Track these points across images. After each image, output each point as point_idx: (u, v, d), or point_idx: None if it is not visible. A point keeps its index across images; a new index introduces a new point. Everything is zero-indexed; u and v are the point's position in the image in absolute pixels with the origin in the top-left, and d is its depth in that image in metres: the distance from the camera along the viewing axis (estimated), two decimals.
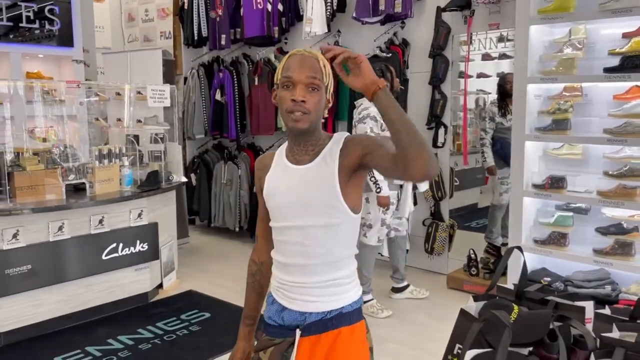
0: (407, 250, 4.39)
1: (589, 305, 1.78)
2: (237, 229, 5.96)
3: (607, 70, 3.41)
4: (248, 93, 5.80)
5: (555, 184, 3.66)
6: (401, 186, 3.93)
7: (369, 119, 3.62)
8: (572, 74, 3.56)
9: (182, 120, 6.33)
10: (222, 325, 3.71)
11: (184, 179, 4.62)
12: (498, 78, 4.56)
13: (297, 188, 1.47)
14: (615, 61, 3.41)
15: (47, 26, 4.96)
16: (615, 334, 1.58)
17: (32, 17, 4.88)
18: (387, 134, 3.75)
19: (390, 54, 4.55)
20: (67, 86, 4.03)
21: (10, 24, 4.76)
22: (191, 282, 4.60)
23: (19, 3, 4.80)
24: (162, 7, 6.79)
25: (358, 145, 1.44)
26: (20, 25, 4.82)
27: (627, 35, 3.40)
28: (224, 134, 6.02)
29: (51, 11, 4.97)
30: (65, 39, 5.08)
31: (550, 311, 1.65)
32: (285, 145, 1.56)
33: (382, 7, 4.45)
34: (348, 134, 1.53)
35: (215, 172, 6.16)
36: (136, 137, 4.17)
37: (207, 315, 3.87)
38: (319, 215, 1.46)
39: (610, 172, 3.49)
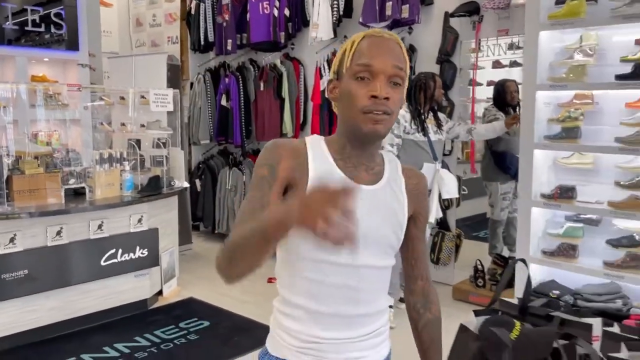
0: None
1: (596, 323, 1.69)
2: None
3: (619, 77, 3.31)
4: (254, 98, 5.75)
5: (564, 194, 3.56)
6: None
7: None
8: (582, 81, 3.46)
9: (187, 125, 6.30)
10: (222, 334, 3.63)
11: (186, 185, 4.56)
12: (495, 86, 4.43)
13: (372, 215, 1.15)
14: (627, 68, 3.31)
15: (53, 30, 4.96)
16: (624, 353, 1.48)
17: (38, 21, 4.87)
18: (415, 137, 3.70)
19: None
20: (68, 89, 3.99)
21: (17, 27, 4.76)
22: (192, 290, 4.53)
23: (25, 7, 4.80)
24: (169, 12, 6.78)
25: (422, 201, 1.27)
26: (26, 29, 4.81)
27: (639, 42, 3.31)
28: (229, 140, 5.98)
29: (57, 15, 4.97)
30: (71, 43, 5.07)
31: (555, 328, 1.55)
32: (319, 142, 1.20)
33: (388, 12, 4.38)
34: (397, 160, 1.28)
35: (220, 178, 6.11)
36: (138, 141, 4.13)
37: (207, 324, 3.80)
38: (378, 253, 1.17)
39: (622, 183, 3.39)
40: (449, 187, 3.93)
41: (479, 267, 4.30)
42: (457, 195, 4.25)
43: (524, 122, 3.70)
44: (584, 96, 3.55)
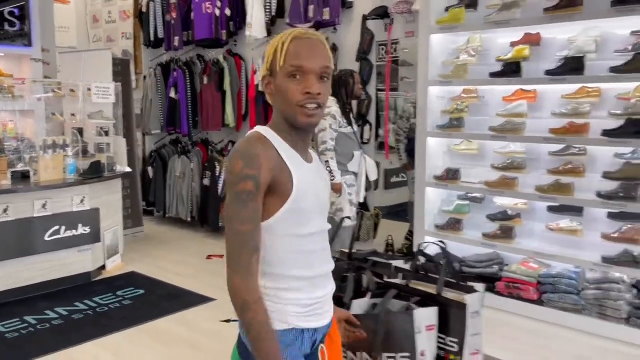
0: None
1: (397, 263, 2.20)
2: (189, 219, 6.36)
3: (492, 75, 3.86)
4: (199, 91, 6.20)
5: (451, 175, 4.11)
6: (355, 173, 4.19)
7: (329, 116, 3.93)
8: (464, 78, 4.00)
9: (140, 116, 6.73)
10: (153, 300, 4.11)
11: (128, 169, 5.01)
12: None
13: (319, 187, 1.37)
14: (501, 67, 3.86)
15: (7, 27, 5.33)
16: (397, 280, 2.00)
17: None
18: (345, 130, 4.04)
19: None
20: (13, 82, 4.41)
21: None
22: (136, 265, 4.99)
23: None
24: (123, 9, 7.17)
25: None
26: None
27: (513, 44, 3.85)
28: (177, 130, 6.42)
29: (11, 13, 5.34)
30: (25, 39, 5.45)
31: (345, 264, 2.07)
32: (273, 134, 1.33)
33: (311, 14, 4.87)
34: None
35: (170, 165, 6.55)
36: (80, 130, 4.56)
37: (142, 292, 4.28)
38: (326, 217, 1.42)
39: (496, 165, 3.95)
40: (371, 170, 4.38)
41: (390, 241, 4.84)
42: (376, 177, 4.75)
43: (419, 114, 4.24)
44: (471, 91, 4.10)
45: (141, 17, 6.80)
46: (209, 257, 5.30)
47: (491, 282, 3.91)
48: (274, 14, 5.33)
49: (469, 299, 1.81)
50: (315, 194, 1.33)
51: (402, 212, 5.37)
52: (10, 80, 4.61)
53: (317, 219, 1.34)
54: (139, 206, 6.31)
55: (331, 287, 1.40)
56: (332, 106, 4.00)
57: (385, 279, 1.99)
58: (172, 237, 6.14)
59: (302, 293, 1.31)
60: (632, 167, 3.36)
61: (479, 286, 1.95)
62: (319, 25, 5.01)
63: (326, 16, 4.84)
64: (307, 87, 1.26)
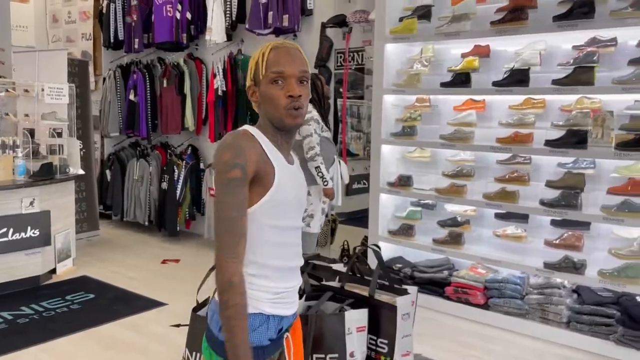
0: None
1: (336, 266, 2.24)
2: (146, 223, 6.28)
3: (443, 84, 3.96)
4: (159, 94, 6.15)
5: (404, 182, 4.19)
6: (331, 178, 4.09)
7: (312, 121, 3.84)
8: (416, 87, 4.09)
9: (99, 118, 6.63)
10: (102, 304, 4.05)
11: (82, 172, 4.92)
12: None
13: (297, 187, 1.46)
14: (451, 77, 3.97)
15: None
16: (334, 283, 2.04)
17: None
18: (326, 134, 3.95)
19: None
20: None
21: None
22: (88, 269, 4.90)
23: None
24: (83, 10, 7.07)
25: None
26: None
27: (464, 55, 3.97)
28: (136, 133, 6.35)
29: None
30: None
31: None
32: (259, 134, 1.42)
33: (270, 20, 4.90)
34: None
35: (128, 168, 6.47)
36: (31, 130, 4.47)
37: (92, 296, 4.21)
38: (300, 217, 1.50)
39: (446, 173, 4.04)
40: (345, 175, 4.36)
41: (345, 246, 4.89)
42: (348, 181, 4.69)
43: (374, 121, 4.32)
44: (423, 100, 4.20)
45: (101, 18, 6.72)
46: (164, 261, 5.25)
47: (441, 286, 4.00)
48: (234, 19, 5.34)
49: (399, 301, 1.86)
50: (293, 191, 1.42)
51: (363, 217, 5.43)
52: None
53: (293, 214, 1.43)
54: (95, 209, 6.20)
55: (298, 280, 1.49)
56: (313, 110, 3.94)
57: (323, 282, 2.02)
58: (128, 241, 6.06)
59: (273, 281, 1.40)
60: (573, 176, 3.49)
61: (412, 289, 2.00)
62: (278, 32, 5.05)
63: (285, 23, 4.88)
64: (289, 91, 1.36)
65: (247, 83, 1.45)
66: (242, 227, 1.32)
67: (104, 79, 6.74)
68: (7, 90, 5.31)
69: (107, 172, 6.67)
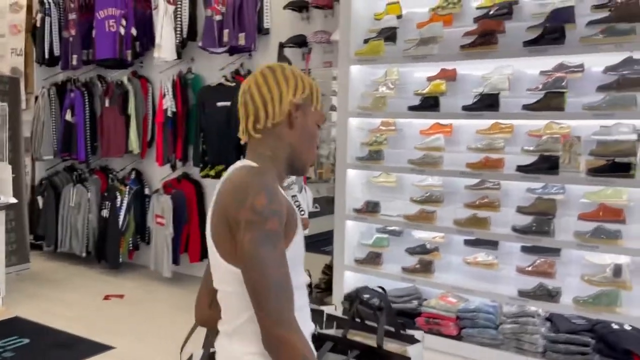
0: None
1: (328, 309, 2.01)
2: (84, 254, 5.76)
3: (411, 108, 3.86)
4: (99, 114, 5.72)
5: (370, 208, 4.03)
6: None
7: None
8: (382, 110, 3.97)
9: (30, 140, 6.07)
10: (39, 350, 3.58)
11: (13, 200, 4.42)
12: None
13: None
14: (419, 100, 3.87)
15: None
16: (332, 330, 1.81)
17: None
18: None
19: (235, 84, 4.75)
20: None
21: None
22: (20, 309, 4.38)
23: None
24: (14, 23, 6.51)
25: None
26: None
27: (430, 79, 3.89)
28: (73, 156, 5.86)
29: None
30: None
31: None
32: (273, 178, 1.24)
33: (226, 39, 4.66)
34: None
35: (64, 195, 5.93)
36: None
37: (26, 341, 3.72)
38: None
39: (414, 198, 3.92)
40: (310, 202, 4.16)
41: (308, 276, 4.65)
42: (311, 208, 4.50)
43: (339, 145, 4.15)
44: (389, 123, 4.08)
45: (34, 32, 6.21)
46: (107, 297, 4.79)
47: (411, 317, 3.84)
48: (185, 36, 5.05)
49: (411, 350, 1.66)
50: (303, 241, 1.26)
51: (318, 243, 5.23)
52: None
53: (302, 270, 1.27)
54: (26, 240, 5.61)
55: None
56: None
57: (318, 330, 1.79)
58: (63, 275, 5.52)
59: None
60: (544, 201, 3.46)
61: (419, 334, 1.81)
62: (233, 51, 4.81)
63: (242, 41, 4.66)
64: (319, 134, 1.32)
65: (290, 96, 1.24)
66: (291, 285, 1.12)
67: (36, 97, 6.21)
68: None
69: (39, 198, 6.10)
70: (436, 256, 3.86)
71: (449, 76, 3.81)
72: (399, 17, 3.99)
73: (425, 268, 3.83)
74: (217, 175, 4.78)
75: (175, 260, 5.19)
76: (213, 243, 1.22)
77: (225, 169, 4.70)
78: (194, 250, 5.21)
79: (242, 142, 1.30)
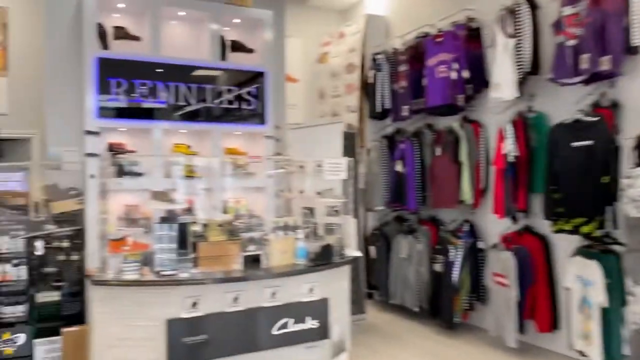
0: None
1: None
2: (416, 309, 5.54)
3: None
4: (429, 164, 5.53)
5: None
6: None
7: None
8: None
9: (364, 191, 6.30)
10: None
11: (358, 254, 4.43)
12: None
13: None
14: None
15: (244, 106, 5.41)
16: None
17: (232, 99, 5.36)
18: None
19: (597, 118, 3.89)
20: (249, 161, 4.24)
21: (215, 106, 5.29)
22: None
23: (230, 88, 5.32)
24: (348, 82, 7.02)
25: None
26: (223, 106, 5.32)
27: None
28: (403, 206, 5.79)
29: (249, 93, 5.42)
30: (260, 117, 5.47)
31: None
32: None
33: (584, 65, 3.87)
34: None
35: (394, 245, 5.90)
36: (311, 209, 4.16)
37: None
38: None
39: None
40: None
41: None
42: None
43: None
44: None
45: (366, 89, 6.54)
46: None
47: None
48: (527, 70, 4.44)
49: None
50: None
51: None
52: (245, 158, 4.48)
53: None
54: (362, 290, 5.71)
55: None
56: None
57: None
58: (399, 330, 5.36)
59: None
60: None
61: None
62: (591, 79, 3.97)
63: (605, 66, 3.79)
64: None
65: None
66: None
67: (368, 150, 6.46)
68: (282, 167, 5.29)
69: (372, 248, 6.22)
70: None
71: None
72: None
73: None
74: (575, 231, 3.93)
75: (521, 328, 4.46)
76: None
77: (587, 222, 3.83)
78: (543, 317, 4.40)
79: None
